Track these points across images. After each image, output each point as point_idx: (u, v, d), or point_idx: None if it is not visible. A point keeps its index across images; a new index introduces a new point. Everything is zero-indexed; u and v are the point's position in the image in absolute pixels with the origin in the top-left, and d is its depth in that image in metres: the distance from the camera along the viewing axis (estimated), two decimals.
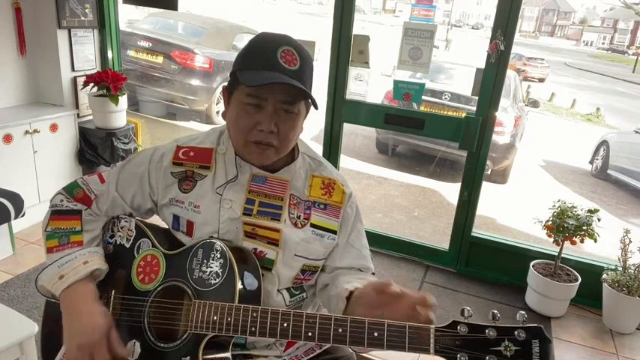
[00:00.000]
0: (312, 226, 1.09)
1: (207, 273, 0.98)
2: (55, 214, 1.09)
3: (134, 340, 1.00)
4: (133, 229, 1.11)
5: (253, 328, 0.91)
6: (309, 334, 0.88)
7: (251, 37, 1.08)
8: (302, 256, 1.09)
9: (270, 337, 0.91)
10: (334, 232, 1.11)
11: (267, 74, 0.96)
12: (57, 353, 1.08)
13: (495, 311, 0.84)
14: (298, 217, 1.09)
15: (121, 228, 1.12)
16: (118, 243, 1.11)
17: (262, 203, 1.08)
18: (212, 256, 0.99)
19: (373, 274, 1.15)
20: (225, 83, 1.08)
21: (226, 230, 1.07)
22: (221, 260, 0.98)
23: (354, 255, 1.13)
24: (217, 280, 0.97)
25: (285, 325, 0.90)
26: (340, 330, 0.87)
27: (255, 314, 0.91)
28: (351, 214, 1.14)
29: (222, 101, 1.13)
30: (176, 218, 1.10)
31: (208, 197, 1.07)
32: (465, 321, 0.83)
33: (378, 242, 3.13)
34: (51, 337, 1.10)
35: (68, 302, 1.01)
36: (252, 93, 0.98)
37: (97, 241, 1.10)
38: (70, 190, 1.12)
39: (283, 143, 1.03)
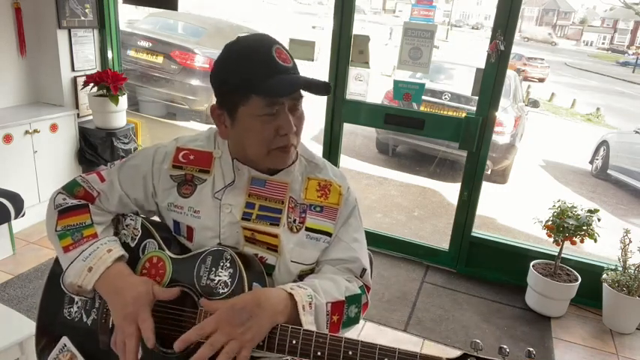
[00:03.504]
0: (307, 229, 1.08)
1: (216, 282, 0.97)
2: (62, 212, 1.06)
3: None
4: (139, 229, 1.09)
5: (261, 343, 0.90)
6: (319, 353, 0.88)
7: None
8: (297, 262, 1.07)
9: (279, 353, 0.90)
10: (329, 235, 1.10)
11: (283, 79, 0.95)
12: (50, 352, 1.07)
13: (504, 346, 0.84)
14: (294, 222, 1.07)
15: (126, 226, 1.10)
16: (122, 241, 1.09)
17: (262, 207, 1.07)
18: (221, 264, 0.98)
19: (364, 270, 1.12)
20: (214, 103, 1.04)
21: (227, 235, 1.05)
22: (230, 270, 0.97)
23: (342, 247, 1.10)
24: (225, 290, 0.95)
25: (294, 342, 0.89)
26: (350, 353, 0.86)
27: None
28: (345, 211, 1.12)
29: None
30: (176, 223, 1.09)
31: (208, 202, 1.06)
32: (476, 354, 0.83)
33: (378, 242, 3.13)
34: (45, 335, 1.08)
35: (106, 288, 1.00)
36: (270, 102, 0.96)
37: (111, 231, 1.09)
38: (70, 188, 1.11)
39: (299, 137, 1.05)
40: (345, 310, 1.03)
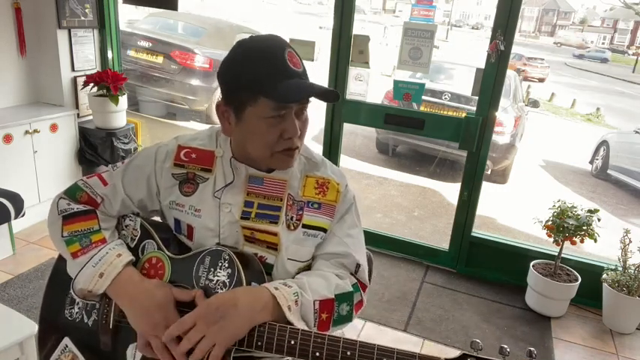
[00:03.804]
0: (304, 226, 1.08)
1: (214, 282, 0.97)
2: (68, 217, 1.05)
3: (136, 344, 0.99)
4: (138, 229, 1.09)
5: (260, 343, 0.91)
6: (317, 354, 0.88)
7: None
8: (294, 260, 1.07)
9: (277, 354, 0.90)
10: (326, 231, 1.10)
11: (294, 84, 0.95)
12: (52, 352, 1.07)
13: (505, 346, 0.84)
14: (291, 219, 1.08)
15: (126, 227, 1.10)
16: None
17: (261, 205, 1.07)
18: (219, 264, 0.98)
19: (359, 265, 1.11)
20: (220, 99, 1.03)
21: (227, 235, 1.06)
22: (229, 270, 0.97)
23: (335, 242, 1.10)
24: (224, 290, 0.96)
25: (292, 342, 0.89)
26: (349, 353, 0.87)
27: (262, 329, 0.91)
28: (342, 207, 1.12)
29: None
30: (177, 222, 1.09)
31: (209, 201, 1.06)
32: (475, 354, 0.83)
33: (378, 242, 3.13)
34: (47, 336, 1.09)
35: (120, 294, 1.00)
36: (278, 106, 0.96)
37: (116, 234, 1.09)
38: (72, 193, 1.09)
39: (303, 141, 1.05)
40: (335, 308, 1.02)
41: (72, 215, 1.06)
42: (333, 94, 0.98)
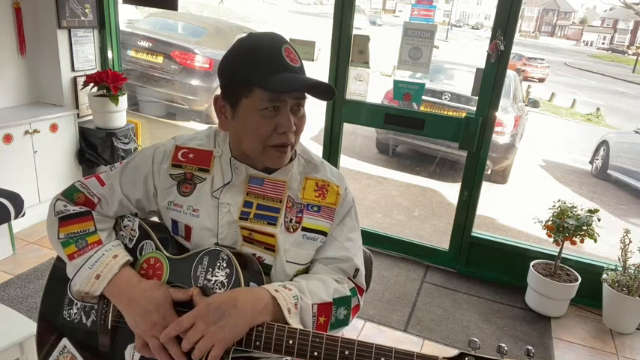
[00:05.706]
0: (304, 229, 1.08)
1: (213, 282, 0.97)
2: (64, 219, 1.05)
3: (134, 344, 0.99)
4: (137, 229, 1.09)
5: (258, 343, 0.90)
6: (315, 353, 0.88)
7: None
8: (293, 262, 1.07)
9: (275, 354, 0.90)
10: (326, 235, 1.09)
11: (288, 76, 0.95)
12: (51, 353, 1.07)
13: (503, 344, 0.84)
14: (291, 221, 1.07)
15: (124, 227, 1.10)
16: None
17: (260, 206, 1.06)
18: (218, 264, 0.98)
19: (357, 270, 1.11)
20: (218, 94, 1.04)
21: (225, 235, 1.05)
22: (227, 270, 0.97)
23: (335, 246, 1.10)
24: (222, 290, 0.96)
25: (290, 342, 0.89)
26: (347, 352, 0.87)
27: (260, 329, 0.91)
28: (342, 211, 1.12)
29: None
30: (175, 223, 1.09)
31: (207, 201, 1.06)
32: (473, 353, 0.83)
33: (378, 242, 3.13)
34: (46, 336, 1.08)
35: (116, 296, 1.00)
36: (272, 97, 0.96)
37: (113, 235, 1.09)
38: (70, 194, 1.10)
39: (298, 138, 1.05)
40: (333, 312, 1.02)
41: (68, 217, 1.06)
42: (329, 90, 0.98)
